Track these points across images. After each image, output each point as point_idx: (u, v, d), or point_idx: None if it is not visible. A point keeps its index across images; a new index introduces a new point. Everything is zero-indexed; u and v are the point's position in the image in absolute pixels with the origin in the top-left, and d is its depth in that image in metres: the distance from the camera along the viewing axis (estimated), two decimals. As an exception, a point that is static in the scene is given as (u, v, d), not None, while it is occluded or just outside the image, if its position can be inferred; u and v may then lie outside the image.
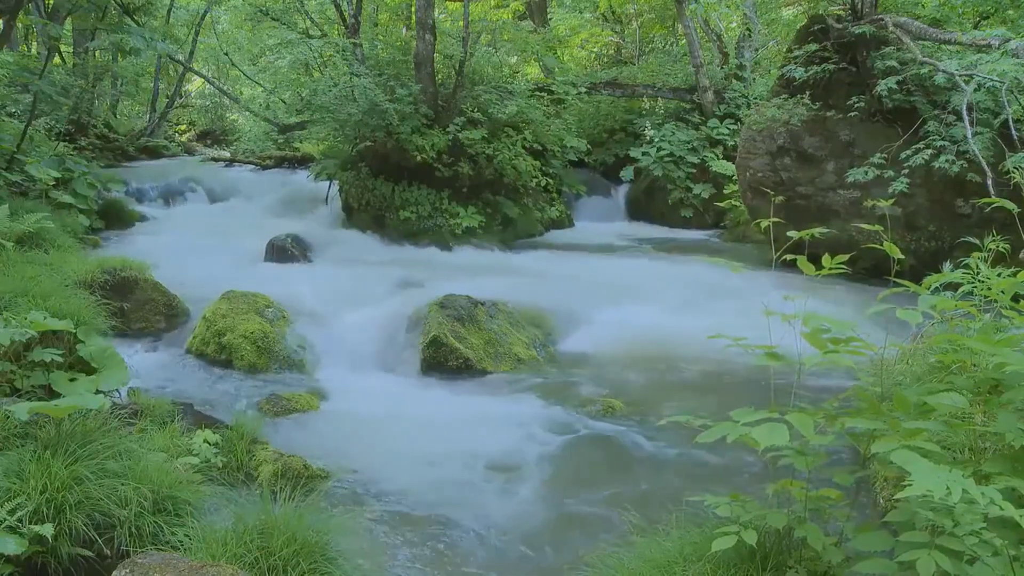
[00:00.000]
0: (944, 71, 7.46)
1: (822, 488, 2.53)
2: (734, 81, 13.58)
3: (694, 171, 12.47)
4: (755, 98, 12.64)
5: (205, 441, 3.86)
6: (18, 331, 3.74)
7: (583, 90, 13.45)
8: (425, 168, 10.51)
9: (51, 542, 2.70)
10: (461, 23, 11.19)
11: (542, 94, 12.85)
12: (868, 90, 8.54)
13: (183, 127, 23.97)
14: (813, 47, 8.93)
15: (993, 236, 3.63)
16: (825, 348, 2.53)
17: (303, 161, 15.26)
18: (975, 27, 9.21)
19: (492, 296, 6.64)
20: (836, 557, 2.36)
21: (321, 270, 8.74)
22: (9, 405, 3.24)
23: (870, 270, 7.24)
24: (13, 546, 2.56)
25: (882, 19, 8.49)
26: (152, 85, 18.80)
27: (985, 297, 2.94)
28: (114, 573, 2.51)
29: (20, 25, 12.77)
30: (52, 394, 3.89)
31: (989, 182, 6.76)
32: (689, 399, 5.40)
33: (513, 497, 3.99)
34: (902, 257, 2.67)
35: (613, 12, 17.79)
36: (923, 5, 9.59)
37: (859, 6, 8.84)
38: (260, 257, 9.09)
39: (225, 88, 20.36)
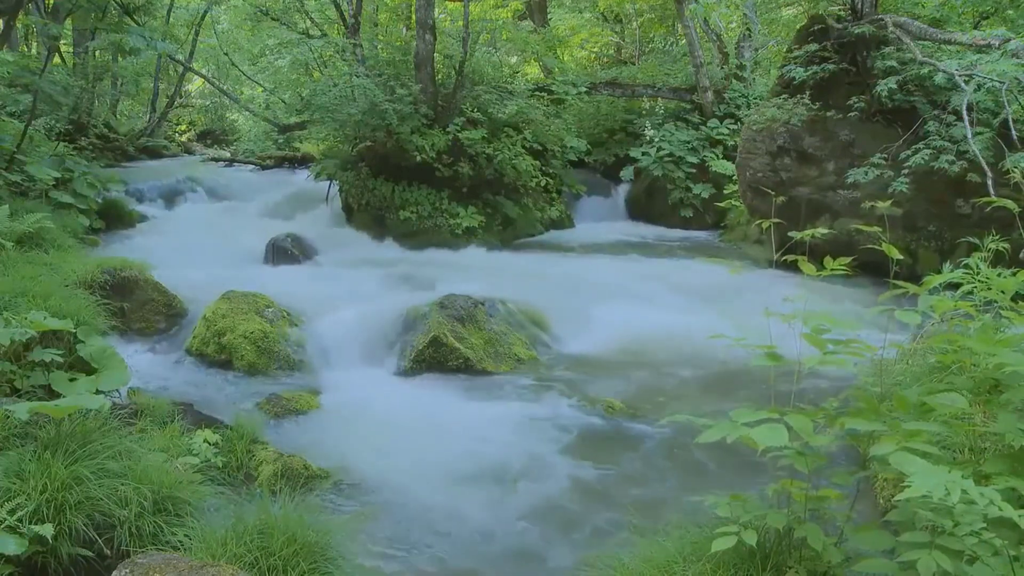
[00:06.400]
0: (944, 71, 7.46)
1: (822, 488, 2.53)
2: (734, 81, 13.58)
3: (694, 171, 12.46)
4: (755, 98, 12.63)
5: (205, 441, 3.86)
6: (18, 331, 3.74)
7: (583, 90, 13.44)
8: (425, 168, 10.51)
9: (51, 542, 2.70)
10: (461, 23, 11.19)
11: (542, 94, 12.85)
12: (868, 90, 8.53)
13: (183, 127, 23.97)
14: (813, 47, 8.93)
15: (993, 236, 3.63)
16: (825, 348, 2.53)
17: (303, 161, 15.27)
18: (975, 27, 9.20)
19: (492, 296, 6.64)
20: (836, 557, 2.36)
21: (321, 270, 8.74)
22: (9, 405, 3.24)
23: (871, 270, 7.25)
24: (13, 546, 2.55)
25: (882, 19, 8.48)
26: (152, 85, 18.81)
27: (985, 297, 2.94)
28: (114, 573, 2.52)
29: (20, 25, 12.77)
30: (52, 394, 3.89)
31: (989, 182, 6.75)
32: (689, 399, 5.40)
33: (513, 497, 3.99)
34: (901, 258, 2.67)
35: (613, 12, 17.78)
36: (923, 5, 9.58)
37: (859, 6, 8.84)
38: (260, 257, 9.09)
39: (225, 88, 20.36)
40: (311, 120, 12.37)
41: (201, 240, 9.73)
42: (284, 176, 14.60)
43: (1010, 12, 9.36)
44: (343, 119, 10.64)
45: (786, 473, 2.57)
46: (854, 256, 2.75)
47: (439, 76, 11.22)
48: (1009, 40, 7.06)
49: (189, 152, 19.20)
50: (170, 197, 12.65)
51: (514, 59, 16.36)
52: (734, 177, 10.74)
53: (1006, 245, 3.51)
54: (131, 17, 13.12)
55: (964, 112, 7.09)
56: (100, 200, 10.25)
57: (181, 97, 21.50)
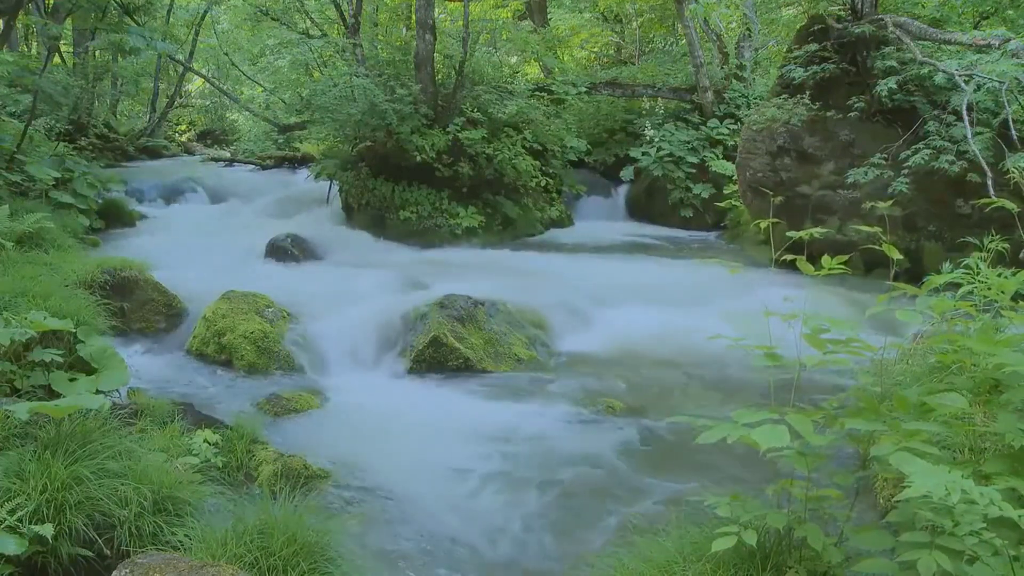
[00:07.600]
0: (944, 71, 7.46)
1: (822, 488, 2.53)
2: (734, 81, 13.58)
3: (694, 171, 12.46)
4: (755, 98, 12.63)
5: (205, 441, 3.86)
6: (18, 331, 3.74)
7: (583, 90, 13.44)
8: (425, 168, 10.51)
9: (51, 542, 2.69)
10: (461, 23, 11.19)
11: (542, 94, 12.85)
12: (868, 90, 8.54)
13: (183, 127, 23.98)
14: (813, 47, 8.93)
15: (993, 236, 3.63)
16: (824, 349, 2.53)
17: (303, 161, 15.28)
18: (975, 27, 9.20)
19: (492, 296, 6.63)
20: (836, 557, 2.36)
21: (321, 270, 8.74)
22: (9, 405, 3.24)
23: (870, 270, 7.25)
24: (13, 546, 2.55)
25: (882, 19, 8.49)
26: (152, 85, 18.81)
27: (985, 297, 2.94)
28: (114, 573, 2.52)
29: (20, 25, 12.77)
30: (52, 394, 3.89)
31: (989, 182, 6.75)
32: (689, 399, 5.40)
33: (512, 497, 3.99)
34: (901, 258, 2.68)
35: (613, 12, 17.78)
36: (923, 5, 9.58)
37: (859, 6, 8.84)
38: (260, 257, 9.09)
39: (225, 88, 20.36)
40: (311, 120, 12.38)
41: (201, 240, 9.73)
42: (284, 176, 14.61)
43: (1010, 12, 9.37)
44: (343, 119, 10.64)
45: (787, 473, 2.57)
46: (852, 254, 2.76)
47: (439, 76, 11.22)
48: (1009, 40, 7.07)
49: (189, 152, 19.21)
50: (170, 197, 12.66)
51: (514, 59, 16.35)
52: (734, 177, 10.74)
53: (1006, 245, 3.51)
54: (131, 17, 13.12)
55: (964, 112, 7.09)
56: (100, 200, 10.26)
57: (181, 97, 21.51)
